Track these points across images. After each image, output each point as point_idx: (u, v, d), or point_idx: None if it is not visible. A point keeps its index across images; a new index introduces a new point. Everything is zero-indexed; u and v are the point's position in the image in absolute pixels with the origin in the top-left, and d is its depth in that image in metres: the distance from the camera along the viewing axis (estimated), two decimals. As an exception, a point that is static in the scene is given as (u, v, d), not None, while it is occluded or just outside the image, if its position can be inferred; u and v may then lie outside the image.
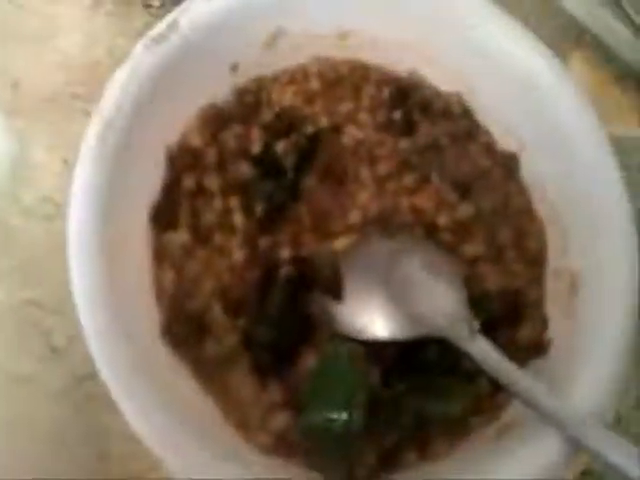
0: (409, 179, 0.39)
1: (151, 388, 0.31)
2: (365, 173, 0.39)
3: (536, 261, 0.38)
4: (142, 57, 0.37)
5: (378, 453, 0.32)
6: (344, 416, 0.31)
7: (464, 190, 0.39)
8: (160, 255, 0.36)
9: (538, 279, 0.38)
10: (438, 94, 0.42)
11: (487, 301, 0.36)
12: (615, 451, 0.28)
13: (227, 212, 0.37)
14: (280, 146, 0.39)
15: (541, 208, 0.40)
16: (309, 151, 0.39)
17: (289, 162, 0.39)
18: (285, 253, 0.36)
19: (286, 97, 0.41)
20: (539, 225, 0.39)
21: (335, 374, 0.33)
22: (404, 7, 0.41)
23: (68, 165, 0.35)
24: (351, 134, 0.40)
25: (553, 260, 0.38)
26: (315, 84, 0.42)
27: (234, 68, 0.40)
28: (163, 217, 0.37)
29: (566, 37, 0.51)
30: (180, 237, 0.36)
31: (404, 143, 0.40)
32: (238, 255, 0.36)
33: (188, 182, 0.37)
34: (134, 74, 0.36)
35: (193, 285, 0.35)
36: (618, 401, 0.33)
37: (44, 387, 0.38)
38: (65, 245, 0.32)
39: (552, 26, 0.50)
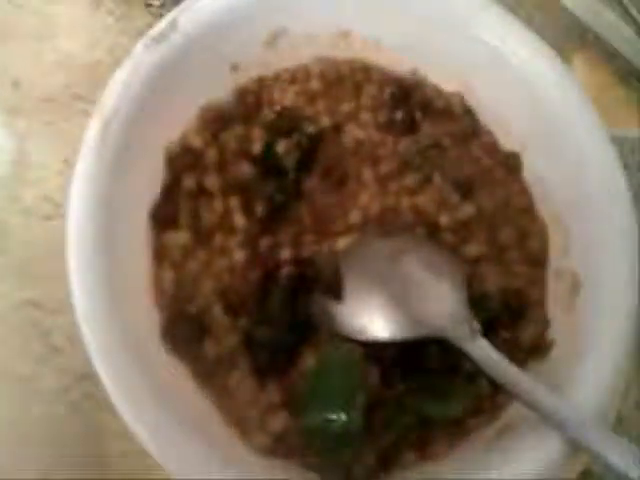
0: (411, 179, 0.39)
1: (150, 389, 0.31)
2: (366, 173, 0.39)
3: (538, 261, 0.38)
4: (142, 56, 0.37)
5: (377, 453, 0.32)
6: (343, 417, 0.31)
7: (466, 190, 0.39)
8: (160, 255, 0.36)
9: (540, 279, 0.38)
10: (440, 94, 0.42)
11: (488, 301, 0.36)
12: (615, 452, 0.28)
13: (227, 212, 0.37)
14: (281, 146, 0.39)
15: (543, 208, 0.39)
16: (310, 151, 0.39)
17: (290, 162, 0.38)
18: (286, 253, 0.36)
19: (287, 97, 0.41)
20: (541, 225, 0.39)
21: (334, 375, 0.33)
22: (405, 7, 0.41)
23: (68, 165, 0.35)
24: (352, 134, 0.40)
25: (555, 260, 0.38)
26: (316, 84, 0.42)
27: (234, 68, 0.40)
28: (163, 217, 0.37)
29: (569, 37, 0.50)
30: (180, 237, 0.36)
31: (406, 143, 0.40)
32: (238, 255, 0.36)
33: (188, 182, 0.37)
34: (134, 73, 0.36)
35: (193, 285, 0.35)
36: (619, 402, 0.33)
37: (43, 387, 0.38)
38: (65, 245, 0.32)
39: (555, 26, 0.50)
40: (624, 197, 0.36)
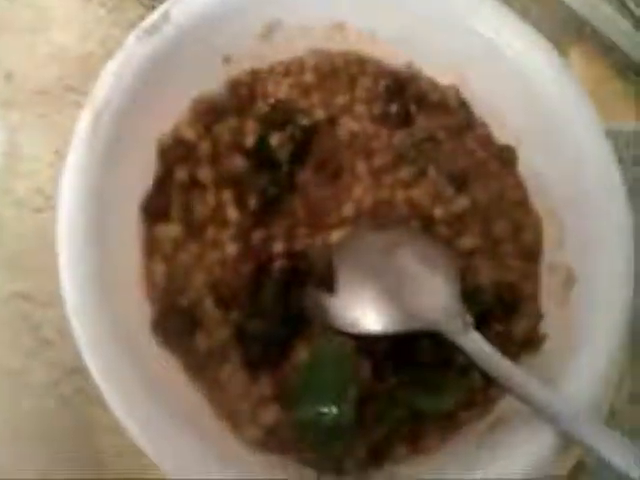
0: (405, 172, 0.39)
1: (140, 382, 0.31)
2: (360, 166, 0.39)
3: (532, 255, 0.38)
4: (134, 48, 0.36)
5: (368, 447, 0.32)
6: (335, 410, 0.31)
7: (460, 183, 0.39)
8: (151, 248, 0.36)
9: (533, 273, 0.38)
10: (435, 87, 0.42)
11: (481, 294, 0.36)
12: (608, 445, 0.28)
13: (220, 205, 0.37)
14: (275, 139, 0.38)
15: (537, 201, 0.39)
16: (304, 144, 0.39)
17: (284, 155, 0.38)
18: (279, 247, 0.36)
19: (281, 89, 0.41)
20: (535, 218, 0.39)
21: (326, 368, 0.33)
22: (400, 0, 0.41)
23: (60, 156, 0.35)
24: (347, 126, 0.40)
25: (549, 254, 0.38)
26: (311, 77, 0.41)
27: (227, 60, 0.40)
28: (155, 209, 0.37)
29: (566, 30, 0.50)
30: (172, 230, 0.36)
31: (400, 136, 0.40)
32: (231, 249, 0.36)
33: (181, 174, 0.37)
34: (126, 65, 0.36)
35: (184, 278, 0.35)
36: (612, 395, 0.33)
37: (33, 380, 0.37)
38: (55, 237, 0.32)
39: (552, 19, 0.50)
40: (619, 192, 0.36)
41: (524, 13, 0.40)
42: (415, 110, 0.41)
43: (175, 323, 0.34)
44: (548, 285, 0.37)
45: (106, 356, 0.30)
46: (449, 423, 0.34)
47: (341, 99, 0.41)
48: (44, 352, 0.38)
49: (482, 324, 0.33)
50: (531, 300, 0.37)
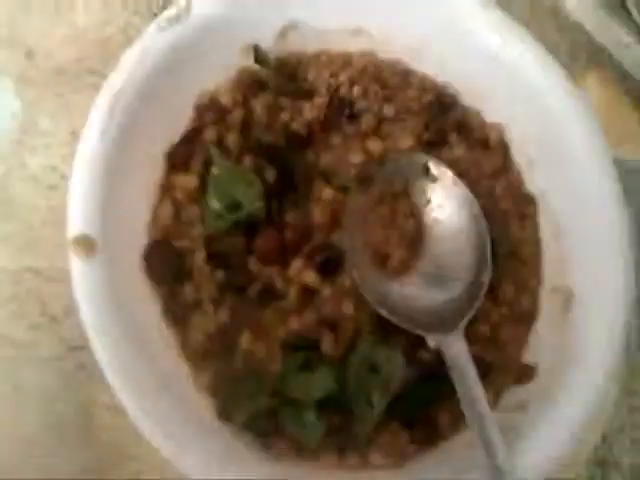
0: None
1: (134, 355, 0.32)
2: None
3: (523, 320, 0.38)
4: (155, 36, 0.37)
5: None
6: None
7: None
8: (165, 191, 0.38)
9: (523, 336, 0.38)
10: (481, 123, 0.41)
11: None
12: None
13: None
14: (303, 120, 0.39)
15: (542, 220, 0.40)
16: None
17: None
18: (290, 217, 0.37)
19: (322, 77, 0.41)
20: (537, 284, 0.39)
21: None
22: (414, 10, 0.41)
23: (75, 136, 0.35)
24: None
25: (551, 279, 0.39)
26: (354, 73, 0.42)
27: (247, 52, 0.40)
28: (178, 158, 0.38)
29: (582, 55, 0.50)
30: (189, 181, 0.38)
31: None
32: None
33: (210, 134, 0.39)
34: (146, 52, 0.37)
35: (186, 227, 0.37)
36: (605, 424, 0.33)
37: (36, 354, 0.38)
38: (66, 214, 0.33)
39: (569, 44, 0.50)
40: (623, 222, 0.36)
41: (542, 38, 0.39)
42: (455, 138, 0.41)
43: (165, 257, 0.36)
44: (547, 308, 0.38)
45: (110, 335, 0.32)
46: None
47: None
48: (49, 326, 0.38)
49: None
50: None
